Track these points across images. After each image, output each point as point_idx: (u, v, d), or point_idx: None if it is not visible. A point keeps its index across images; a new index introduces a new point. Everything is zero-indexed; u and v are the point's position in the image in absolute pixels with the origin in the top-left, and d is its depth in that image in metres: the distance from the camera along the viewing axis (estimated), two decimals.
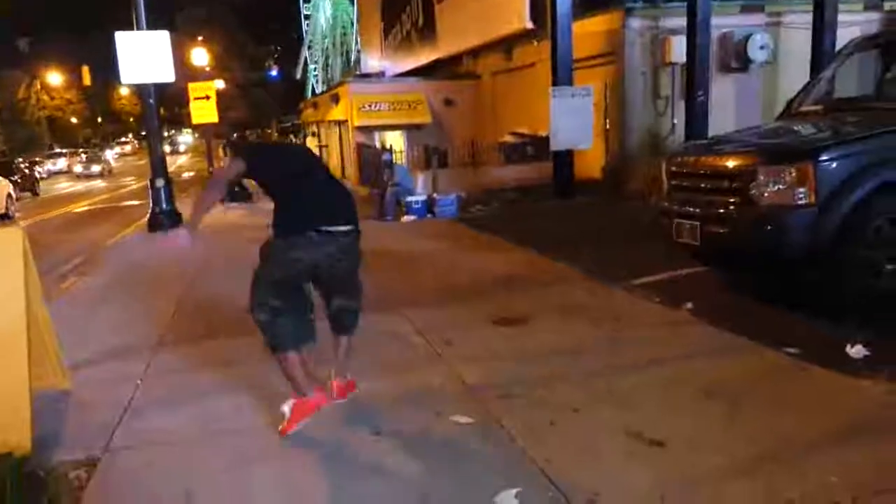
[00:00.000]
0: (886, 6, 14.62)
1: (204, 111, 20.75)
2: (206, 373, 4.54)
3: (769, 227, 4.70)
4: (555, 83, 12.15)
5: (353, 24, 59.77)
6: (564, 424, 3.42)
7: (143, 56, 11.22)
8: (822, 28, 12.99)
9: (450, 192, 12.51)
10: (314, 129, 29.84)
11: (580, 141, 12.29)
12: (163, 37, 11.46)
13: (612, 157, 13.93)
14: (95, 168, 40.05)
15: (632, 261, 6.85)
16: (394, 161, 12.96)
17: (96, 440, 3.55)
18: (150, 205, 12.06)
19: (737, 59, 13.66)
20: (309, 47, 66.80)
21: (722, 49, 13.58)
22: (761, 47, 13.45)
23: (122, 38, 11.36)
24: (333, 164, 25.87)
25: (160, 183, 11.82)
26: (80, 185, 33.00)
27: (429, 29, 24.45)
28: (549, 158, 15.69)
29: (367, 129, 20.87)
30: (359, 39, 52.02)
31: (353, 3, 58.04)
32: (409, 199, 12.26)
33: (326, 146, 27.88)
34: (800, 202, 4.57)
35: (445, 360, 4.44)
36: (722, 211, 5.00)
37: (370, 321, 5.52)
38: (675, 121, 13.78)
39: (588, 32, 13.20)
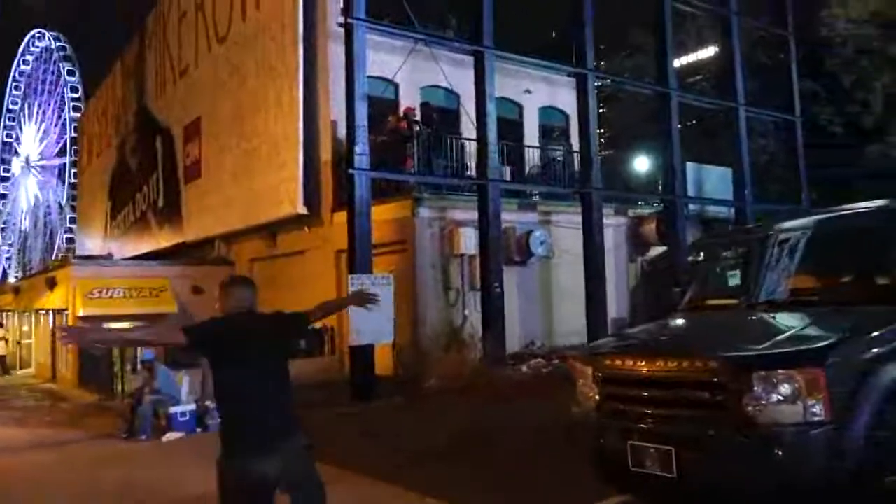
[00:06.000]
0: (630, 213, 16.39)
1: None
2: None
3: (779, 453, 3.70)
4: (352, 270, 10.94)
5: (62, 203, 53.85)
6: None
7: None
8: (591, 227, 13.91)
9: None
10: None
11: (382, 335, 10.98)
12: None
13: (406, 351, 12.78)
14: None
15: (537, 491, 5.45)
16: (155, 360, 10.24)
17: None
18: None
19: (519, 252, 13.90)
20: (2, 228, 58.62)
21: (505, 243, 13.73)
22: (541, 242, 13.89)
23: None
24: (40, 362, 21.06)
25: None
26: None
27: (172, 211, 22.20)
28: (325, 353, 14.12)
29: (93, 320, 17.32)
30: (69, 219, 46.51)
31: (63, 182, 52.68)
32: (174, 409, 9.60)
33: (6, 340, 23.51)
34: (814, 418, 3.68)
35: None
36: (707, 432, 3.92)
37: None
38: (467, 312, 13.31)
39: (380, 219, 12.45)
